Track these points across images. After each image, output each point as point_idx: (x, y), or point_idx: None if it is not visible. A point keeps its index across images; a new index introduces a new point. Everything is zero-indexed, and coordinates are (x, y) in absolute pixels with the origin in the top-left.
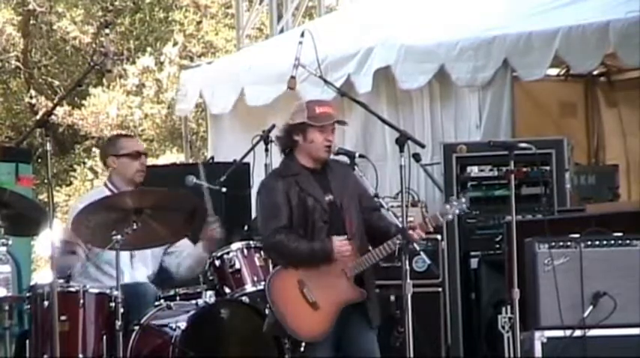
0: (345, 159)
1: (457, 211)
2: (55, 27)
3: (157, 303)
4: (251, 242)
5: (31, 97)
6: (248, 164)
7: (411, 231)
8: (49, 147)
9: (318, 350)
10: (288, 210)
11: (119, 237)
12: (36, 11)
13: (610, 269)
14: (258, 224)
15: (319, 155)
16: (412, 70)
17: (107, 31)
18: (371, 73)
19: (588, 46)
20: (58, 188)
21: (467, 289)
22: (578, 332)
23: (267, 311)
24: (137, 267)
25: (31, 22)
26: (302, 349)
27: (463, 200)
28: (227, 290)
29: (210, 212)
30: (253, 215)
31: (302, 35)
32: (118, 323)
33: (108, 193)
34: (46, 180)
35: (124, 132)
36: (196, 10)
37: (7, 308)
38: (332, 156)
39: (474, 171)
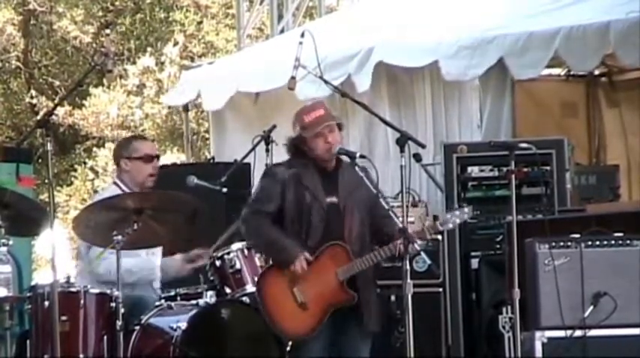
0: (345, 159)
1: (458, 221)
2: (55, 27)
3: (157, 303)
4: None
5: (31, 97)
6: (249, 164)
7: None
8: (49, 147)
9: (307, 350)
10: (279, 202)
11: (120, 237)
12: (36, 11)
13: (610, 269)
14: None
15: (323, 157)
16: (405, 61)
17: (108, 31)
18: (370, 72)
19: (588, 47)
20: (58, 188)
21: (467, 289)
22: (578, 333)
23: None
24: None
25: (32, 22)
26: (288, 348)
27: (466, 210)
28: (228, 290)
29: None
30: None
31: (302, 35)
32: (119, 323)
33: (119, 192)
34: (46, 180)
35: (138, 134)
36: (197, 11)
37: (7, 308)
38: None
39: (474, 171)
